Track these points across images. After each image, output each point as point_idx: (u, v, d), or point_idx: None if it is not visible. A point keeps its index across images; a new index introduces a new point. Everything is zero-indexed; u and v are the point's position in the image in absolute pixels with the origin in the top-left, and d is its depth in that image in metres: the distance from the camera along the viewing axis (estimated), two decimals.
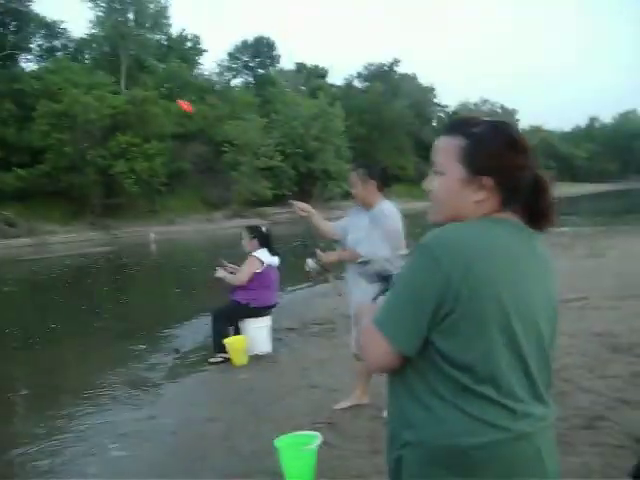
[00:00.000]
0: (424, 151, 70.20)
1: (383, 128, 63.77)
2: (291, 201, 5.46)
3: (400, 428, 1.72)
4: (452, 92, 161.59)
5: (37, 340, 10.53)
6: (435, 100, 77.46)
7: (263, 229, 8.21)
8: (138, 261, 26.17)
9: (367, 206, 5.07)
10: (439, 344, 1.61)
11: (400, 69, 75.34)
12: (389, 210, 4.97)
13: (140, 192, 45.68)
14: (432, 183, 1.81)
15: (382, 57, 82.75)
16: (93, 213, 44.85)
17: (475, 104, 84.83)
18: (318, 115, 54.85)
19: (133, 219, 45.64)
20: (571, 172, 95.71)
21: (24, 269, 25.32)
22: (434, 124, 76.74)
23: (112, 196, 45.55)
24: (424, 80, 76.72)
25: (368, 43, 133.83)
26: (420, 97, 72.63)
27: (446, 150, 1.77)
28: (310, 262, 5.19)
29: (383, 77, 71.90)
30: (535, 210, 1.77)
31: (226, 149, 51.92)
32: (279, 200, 49.26)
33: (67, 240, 39.37)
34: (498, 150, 1.70)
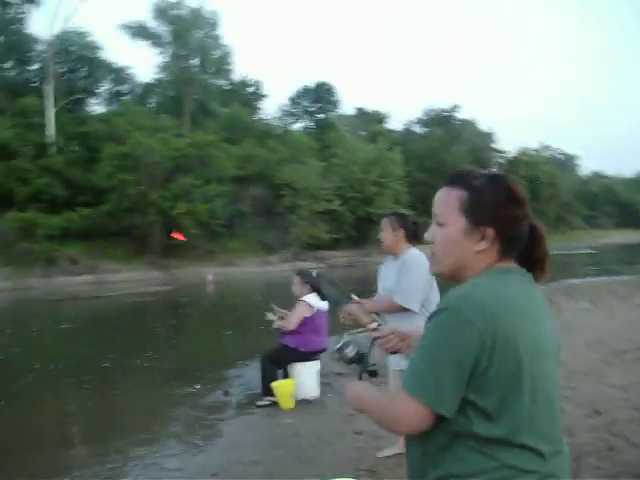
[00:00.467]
0: None
1: (442, 173, 63.34)
2: (354, 297, 5.50)
3: (425, 467, 1.77)
4: (511, 137, 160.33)
5: (90, 378, 10.74)
6: (494, 145, 76.90)
7: (313, 274, 8.32)
8: (194, 301, 26.50)
9: (393, 254, 5.18)
10: (474, 399, 1.65)
11: (460, 114, 75.31)
12: (417, 257, 5.04)
13: (200, 233, 46.28)
14: (434, 234, 1.89)
15: (442, 102, 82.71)
16: (153, 253, 45.51)
17: (535, 150, 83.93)
18: (377, 160, 54.99)
19: (192, 259, 46.14)
20: (633, 218, 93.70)
21: (84, 307, 25.84)
22: (493, 170, 76.17)
23: (172, 237, 46.22)
24: (483, 125, 76.33)
25: (428, 88, 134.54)
26: (479, 143, 72.24)
27: (447, 202, 1.86)
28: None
29: (443, 122, 71.89)
30: (531, 259, 1.85)
31: (285, 192, 52.37)
32: (337, 244, 49.39)
33: (127, 279, 40.00)
34: (497, 202, 1.79)
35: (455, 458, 1.69)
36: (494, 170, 1.96)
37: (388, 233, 5.19)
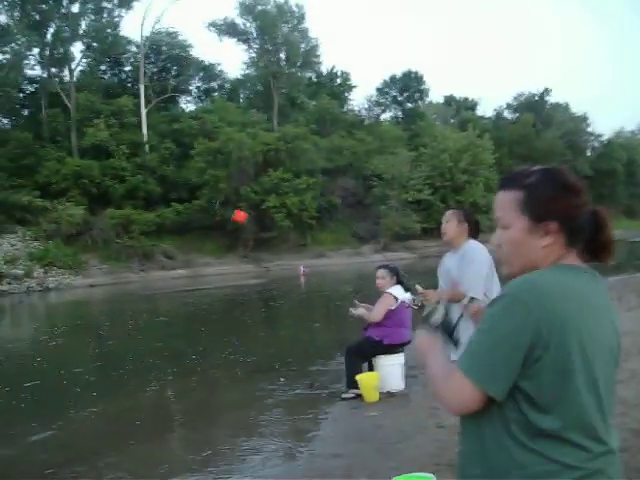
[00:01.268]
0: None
1: (534, 160, 62.10)
2: (418, 288, 5.55)
3: (473, 462, 1.79)
4: (607, 120, 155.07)
5: (181, 371, 11.03)
6: (589, 129, 74.65)
7: (396, 266, 8.30)
8: (286, 294, 26.82)
9: (455, 246, 5.23)
10: (525, 388, 1.67)
11: (551, 98, 73.48)
12: (477, 247, 5.13)
13: (291, 226, 46.75)
14: (499, 238, 1.90)
15: (533, 86, 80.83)
16: (246, 246, 46.26)
17: (632, 132, 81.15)
18: (467, 148, 54.33)
19: (284, 252, 46.68)
20: None
21: (178, 300, 26.49)
22: (588, 154, 73.98)
23: (264, 230, 46.83)
24: (577, 109, 74.13)
25: (519, 72, 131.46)
26: (572, 127, 70.23)
27: (505, 205, 1.87)
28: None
29: (533, 107, 70.36)
30: (595, 244, 1.85)
31: (375, 183, 52.33)
32: (428, 233, 49.05)
33: (220, 272, 40.79)
34: (554, 194, 1.80)
35: (502, 448, 1.70)
36: (546, 165, 1.94)
37: (452, 225, 5.26)
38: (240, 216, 33.04)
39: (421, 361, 2.02)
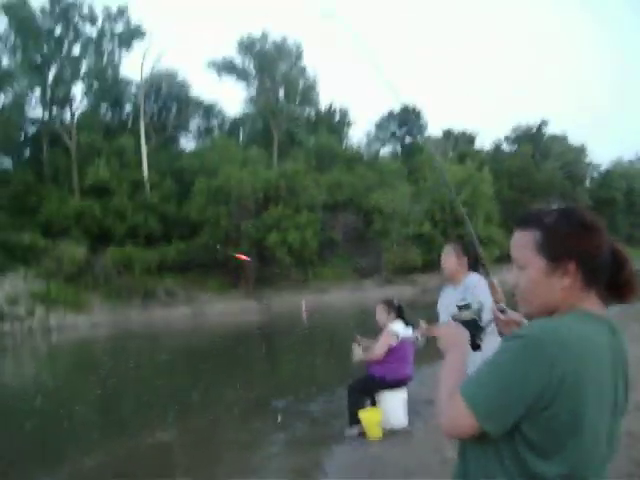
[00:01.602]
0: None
1: (534, 191, 62.37)
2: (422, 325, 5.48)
3: None
4: (606, 149, 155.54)
5: (182, 409, 10.98)
6: (587, 160, 74.84)
7: (396, 302, 8.28)
8: (288, 330, 26.71)
9: (455, 280, 5.15)
10: (527, 432, 1.65)
11: (549, 130, 73.74)
12: (479, 278, 5.04)
13: (292, 262, 46.72)
14: (517, 278, 1.88)
15: (530, 118, 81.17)
16: (247, 283, 46.17)
17: (630, 161, 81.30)
18: (466, 180, 54.45)
19: (286, 288, 46.56)
20: None
21: (180, 338, 26.47)
22: (587, 185, 74.18)
23: (265, 266, 46.77)
24: (574, 139, 74.34)
25: (516, 105, 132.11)
26: (571, 158, 70.43)
27: (522, 244, 1.85)
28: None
29: (531, 139, 70.65)
30: (618, 282, 1.83)
31: (375, 218, 52.38)
32: (429, 267, 48.92)
33: (223, 309, 40.68)
34: (572, 234, 1.77)
35: (489, 478, 1.70)
36: (564, 204, 1.93)
37: (452, 259, 5.20)
38: (242, 257, 33.23)
39: (442, 351, 2.02)
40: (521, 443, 1.66)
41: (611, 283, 1.82)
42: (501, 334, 2.42)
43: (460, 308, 2.28)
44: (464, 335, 2.08)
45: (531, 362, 1.64)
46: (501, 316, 2.44)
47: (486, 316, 4.94)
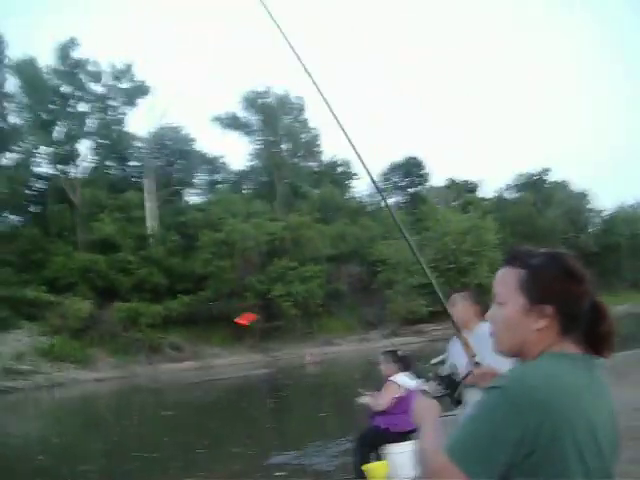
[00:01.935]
0: (583, 260, 67.25)
1: (537, 238, 62.22)
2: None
3: None
4: (608, 195, 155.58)
5: (183, 465, 10.89)
6: (589, 206, 75.01)
7: (400, 353, 8.25)
8: (294, 383, 26.57)
9: (466, 329, 5.07)
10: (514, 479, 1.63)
11: (551, 177, 74.03)
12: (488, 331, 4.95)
13: (298, 314, 46.59)
14: (494, 314, 1.89)
15: (532, 166, 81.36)
16: (253, 336, 45.96)
17: (631, 206, 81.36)
18: (470, 229, 54.58)
19: (291, 341, 46.35)
20: None
21: (186, 392, 26.29)
22: (590, 231, 74.23)
23: (271, 319, 46.64)
24: (576, 186, 74.57)
25: (518, 153, 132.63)
26: (573, 204, 70.64)
27: (506, 281, 1.86)
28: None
29: (534, 187, 70.88)
30: (595, 336, 1.82)
31: (380, 268, 52.38)
32: (436, 317, 48.68)
33: (229, 363, 40.45)
34: (556, 279, 1.78)
35: None
36: (555, 248, 1.96)
37: (462, 307, 5.14)
38: (245, 319, 33.06)
39: (417, 424, 1.98)
40: None
41: (589, 336, 1.82)
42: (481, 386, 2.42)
43: (435, 364, 2.32)
44: (432, 406, 2.07)
45: (499, 413, 1.65)
46: (475, 370, 2.46)
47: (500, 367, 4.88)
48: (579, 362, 1.78)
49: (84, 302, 41.02)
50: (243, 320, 33.17)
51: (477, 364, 2.46)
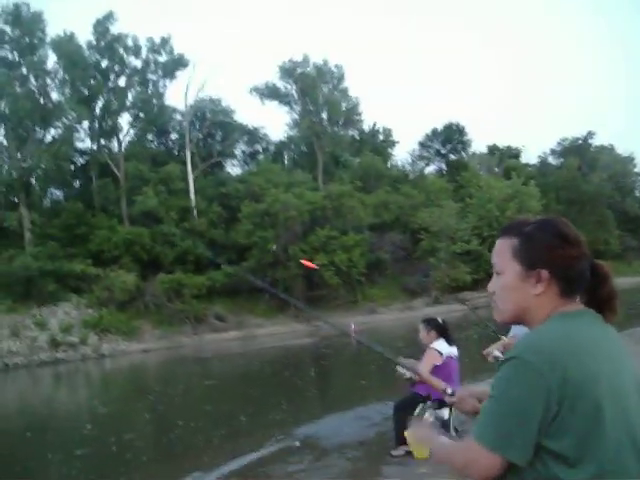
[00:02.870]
0: (628, 224, 66.67)
1: (581, 203, 61.49)
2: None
3: None
4: None
5: (225, 434, 11.03)
6: (636, 170, 73.46)
7: (439, 320, 8.22)
8: (337, 352, 26.65)
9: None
10: (550, 446, 1.63)
11: (595, 141, 72.67)
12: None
13: (340, 283, 46.70)
14: (493, 284, 1.93)
15: (576, 131, 79.85)
16: (296, 306, 46.19)
17: None
18: (513, 196, 54.01)
19: (335, 310, 46.43)
20: None
21: (230, 362, 26.60)
22: (637, 194, 72.90)
23: (314, 288, 46.81)
24: (622, 150, 73.04)
25: (561, 117, 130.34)
26: (619, 168, 69.31)
27: (502, 251, 1.90)
28: (496, 352, 5.13)
29: (578, 151, 69.68)
30: (597, 300, 1.84)
31: (423, 236, 52.20)
32: (478, 284, 48.44)
33: (272, 333, 40.78)
34: (548, 243, 1.81)
35: None
36: (549, 216, 1.96)
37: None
38: (309, 264, 33.19)
39: (429, 448, 2.08)
40: (550, 461, 1.63)
41: (591, 300, 1.84)
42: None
43: (418, 416, 2.40)
44: (424, 427, 2.23)
45: (521, 381, 1.64)
46: (450, 399, 2.56)
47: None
48: (586, 317, 1.80)
49: (129, 275, 41.58)
50: (308, 263, 33.36)
51: (452, 394, 2.45)
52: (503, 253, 1.89)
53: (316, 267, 35.49)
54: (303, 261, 33.66)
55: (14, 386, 27.47)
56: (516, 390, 1.65)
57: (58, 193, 52.60)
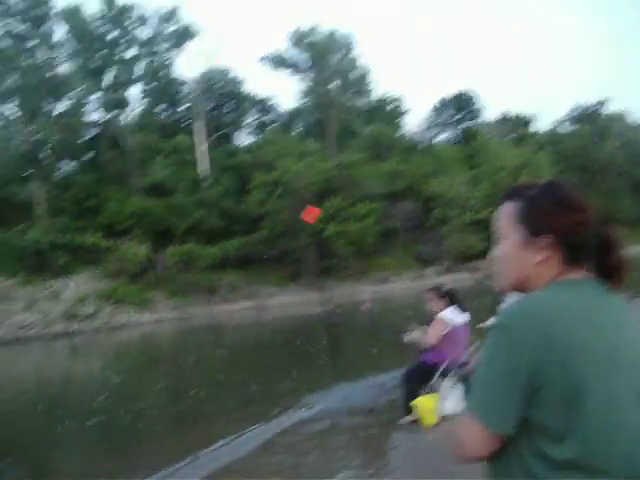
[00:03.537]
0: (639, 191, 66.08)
1: (593, 171, 61.16)
2: None
3: None
4: None
5: (237, 403, 11.10)
6: None
7: (445, 288, 8.19)
8: (349, 321, 26.66)
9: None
10: (535, 417, 1.58)
11: (607, 109, 71.88)
12: None
13: (352, 253, 46.70)
14: (496, 250, 1.86)
15: (588, 98, 79.10)
16: (308, 275, 46.32)
17: None
18: (525, 164, 53.64)
19: (347, 279, 46.59)
20: None
21: (242, 332, 26.76)
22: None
23: (326, 258, 46.87)
24: (635, 118, 72.24)
25: (572, 85, 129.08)
26: (631, 136, 68.63)
27: (505, 215, 1.82)
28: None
29: (590, 119, 69.00)
30: (604, 267, 1.76)
31: (434, 205, 52.03)
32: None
33: (285, 302, 40.93)
34: (552, 208, 1.72)
35: None
36: (555, 178, 1.88)
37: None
38: (310, 215, 32.98)
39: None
40: (536, 434, 1.58)
41: (599, 267, 1.76)
42: None
43: (460, 367, 2.33)
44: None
45: (503, 348, 1.60)
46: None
47: None
48: (586, 285, 1.71)
49: (141, 246, 41.73)
50: (307, 216, 33.02)
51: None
52: (507, 218, 1.81)
53: (313, 221, 35.21)
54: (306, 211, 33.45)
55: (29, 358, 27.73)
56: (498, 358, 1.60)
57: (69, 166, 52.68)
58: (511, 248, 1.78)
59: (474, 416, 1.63)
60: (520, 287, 1.80)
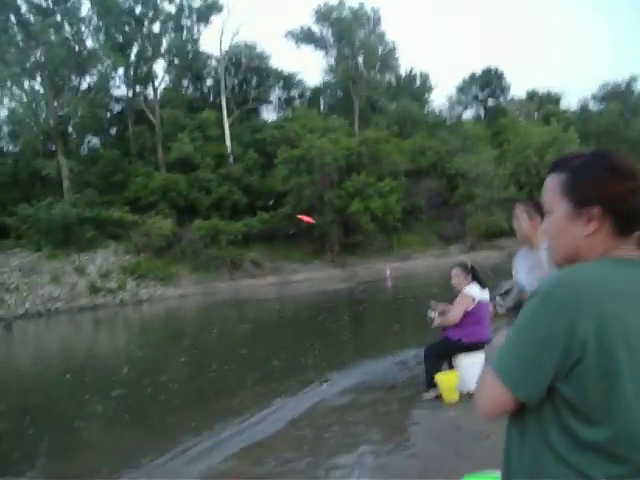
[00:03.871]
0: None
1: (623, 150, 60.21)
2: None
3: (511, 472, 1.67)
4: None
5: (259, 377, 11.16)
6: None
7: (470, 264, 8.15)
8: (371, 297, 26.77)
9: (529, 244, 4.82)
10: (565, 393, 1.53)
11: (638, 86, 70.86)
12: None
13: (376, 229, 46.66)
14: (545, 224, 1.78)
15: (618, 75, 77.94)
16: (332, 251, 46.39)
17: None
18: (552, 142, 53.07)
19: (370, 256, 46.63)
20: None
21: (265, 307, 26.87)
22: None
23: (350, 234, 46.89)
24: None
25: (602, 62, 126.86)
26: None
27: (551, 188, 1.74)
28: (499, 300, 5.05)
29: (620, 97, 68.06)
30: None
31: (459, 183, 51.76)
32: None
33: (308, 278, 41.04)
34: (600, 178, 1.65)
35: (536, 457, 1.58)
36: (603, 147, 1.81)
37: (524, 222, 4.88)
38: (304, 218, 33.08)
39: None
40: (564, 409, 1.53)
41: None
42: None
43: (502, 295, 2.23)
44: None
45: (543, 313, 1.54)
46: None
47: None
48: (638, 266, 1.62)
49: (166, 221, 41.99)
50: (304, 219, 33.17)
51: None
52: (552, 190, 1.73)
53: (312, 221, 35.22)
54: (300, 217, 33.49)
55: (55, 331, 28.09)
56: (537, 323, 1.54)
57: (95, 141, 53.10)
58: (559, 222, 1.71)
59: (499, 375, 1.58)
60: (571, 261, 1.70)
